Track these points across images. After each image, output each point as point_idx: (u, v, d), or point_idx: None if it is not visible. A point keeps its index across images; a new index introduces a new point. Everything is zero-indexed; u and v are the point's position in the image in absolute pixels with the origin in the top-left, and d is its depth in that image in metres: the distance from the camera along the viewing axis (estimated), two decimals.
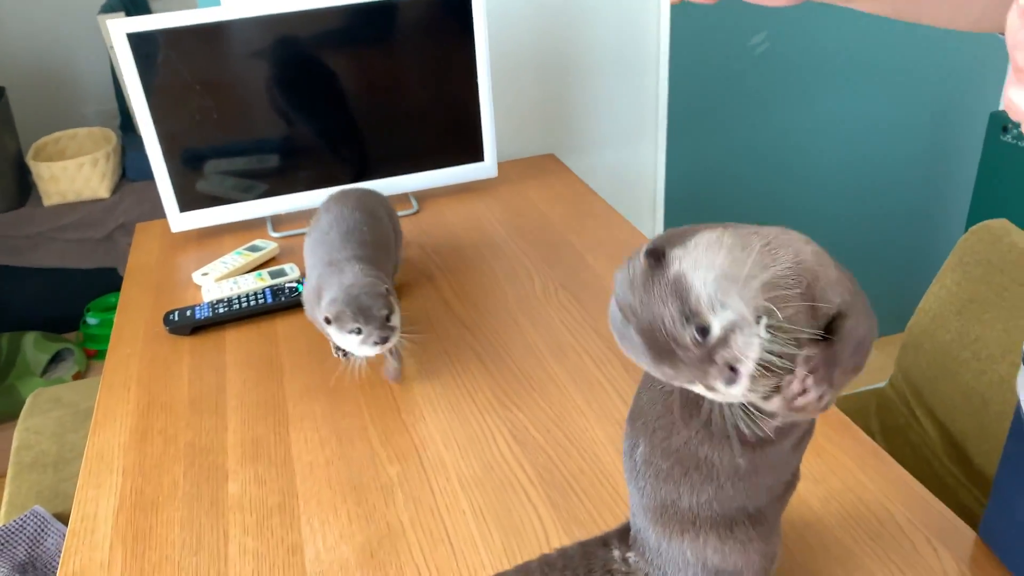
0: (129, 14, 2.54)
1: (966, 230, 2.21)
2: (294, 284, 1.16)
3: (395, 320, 0.94)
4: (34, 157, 2.36)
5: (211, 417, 0.97)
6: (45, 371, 2.39)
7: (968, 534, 0.74)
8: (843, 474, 0.82)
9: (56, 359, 2.43)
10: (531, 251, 1.28)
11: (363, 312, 0.91)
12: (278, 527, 0.81)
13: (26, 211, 2.38)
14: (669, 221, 1.89)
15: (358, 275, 0.95)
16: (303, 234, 1.37)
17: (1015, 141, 1.89)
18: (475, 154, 1.45)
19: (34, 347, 2.40)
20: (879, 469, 0.82)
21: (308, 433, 0.93)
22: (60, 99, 2.68)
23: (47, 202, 2.36)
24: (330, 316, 0.92)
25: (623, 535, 0.67)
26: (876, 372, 2.35)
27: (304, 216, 1.42)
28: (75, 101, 2.75)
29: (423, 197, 1.48)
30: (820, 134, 2.01)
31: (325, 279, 0.96)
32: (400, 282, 1.20)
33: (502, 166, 1.55)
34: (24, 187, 2.42)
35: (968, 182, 2.15)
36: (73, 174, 2.31)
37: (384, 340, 0.92)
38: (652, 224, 1.88)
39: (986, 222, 1.27)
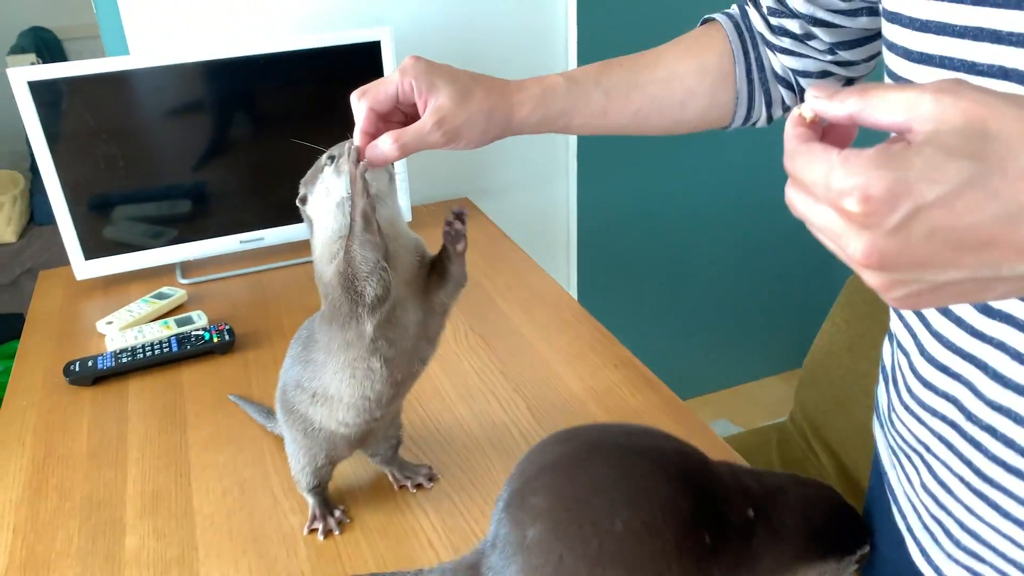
0: (40, 55, 2.49)
1: None
2: (200, 332, 1.16)
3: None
4: None
5: (110, 469, 0.95)
6: None
7: None
8: None
9: None
10: None
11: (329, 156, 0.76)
12: None
13: None
14: (583, 259, 1.94)
15: None
16: (211, 280, 1.37)
17: None
18: None
19: None
20: None
21: (210, 483, 0.92)
22: None
23: None
24: (301, 191, 0.77)
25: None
26: (778, 405, 2.43)
27: (214, 263, 1.41)
28: None
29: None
30: (727, 171, 2.10)
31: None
32: None
33: (417, 210, 1.57)
34: None
35: None
36: None
37: (360, 154, 0.72)
38: (567, 263, 1.93)
39: None
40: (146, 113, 1.28)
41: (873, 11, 0.67)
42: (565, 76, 0.75)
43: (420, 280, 0.77)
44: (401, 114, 0.74)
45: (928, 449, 0.58)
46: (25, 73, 1.17)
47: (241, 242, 1.38)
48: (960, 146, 0.34)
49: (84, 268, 1.32)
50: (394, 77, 0.70)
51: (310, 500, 0.86)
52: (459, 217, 0.77)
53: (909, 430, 0.60)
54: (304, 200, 0.77)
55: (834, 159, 0.36)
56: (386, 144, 0.69)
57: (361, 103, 0.70)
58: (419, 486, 0.89)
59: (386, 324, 0.74)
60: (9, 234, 2.29)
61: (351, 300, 0.72)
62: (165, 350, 1.13)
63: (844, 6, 0.67)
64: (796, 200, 0.39)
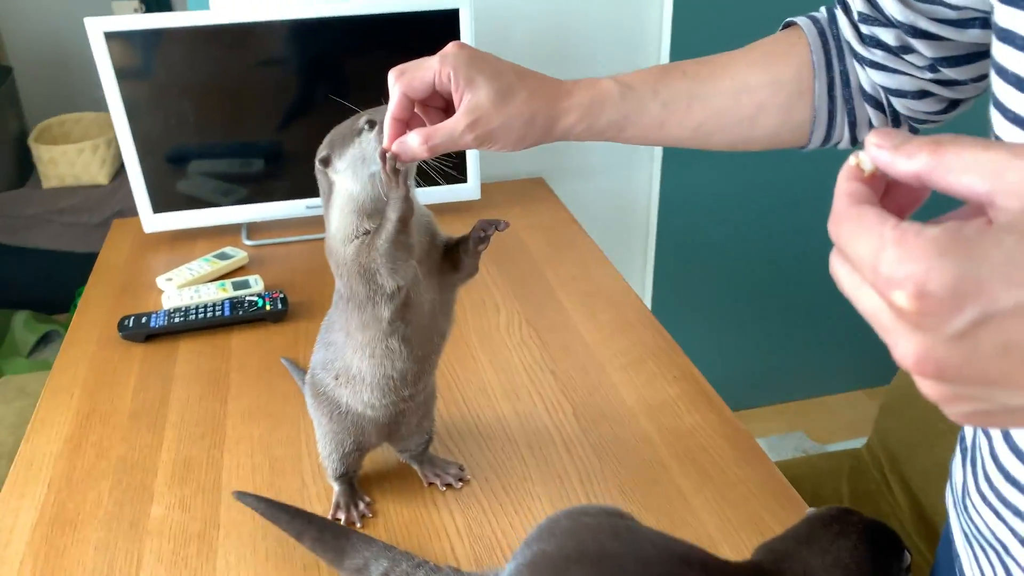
0: (144, 2, 2.54)
1: None
2: (255, 298, 1.14)
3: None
4: (36, 139, 2.36)
5: (148, 433, 0.94)
6: (32, 351, 2.39)
7: None
8: None
9: (44, 340, 2.43)
10: (502, 281, 1.25)
11: (366, 112, 0.70)
12: (193, 558, 0.78)
13: (24, 192, 2.38)
14: (661, 252, 1.85)
15: None
16: (274, 244, 1.35)
17: None
18: (458, 174, 1.42)
19: (24, 327, 2.40)
20: None
21: (242, 458, 0.90)
22: (69, 82, 2.68)
23: (46, 184, 2.36)
24: (324, 152, 0.71)
25: None
26: (860, 423, 2.29)
27: (280, 226, 1.40)
28: (84, 85, 2.75)
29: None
30: (826, 163, 1.96)
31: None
32: None
33: (487, 188, 1.52)
34: (25, 168, 2.42)
35: None
36: (72, 158, 2.30)
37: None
38: (643, 255, 1.85)
39: None
40: (221, 70, 1.26)
41: (988, 23, 0.56)
42: (620, 82, 0.68)
43: (432, 259, 0.73)
44: (441, 99, 0.68)
45: (1007, 550, 0.49)
46: (101, 24, 1.16)
47: (308, 207, 1.36)
48: None
49: (152, 221, 1.32)
50: (433, 63, 0.64)
51: (336, 488, 0.83)
52: (496, 228, 0.72)
53: (986, 523, 0.52)
54: (327, 161, 0.71)
55: (887, 235, 0.28)
56: (415, 142, 0.63)
57: (396, 86, 0.65)
58: (448, 485, 0.85)
59: (403, 306, 0.70)
60: (102, 176, 2.35)
61: (369, 287, 0.68)
62: (217, 313, 1.12)
63: (953, 15, 0.57)
64: (840, 275, 0.32)
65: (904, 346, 0.29)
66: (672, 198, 1.81)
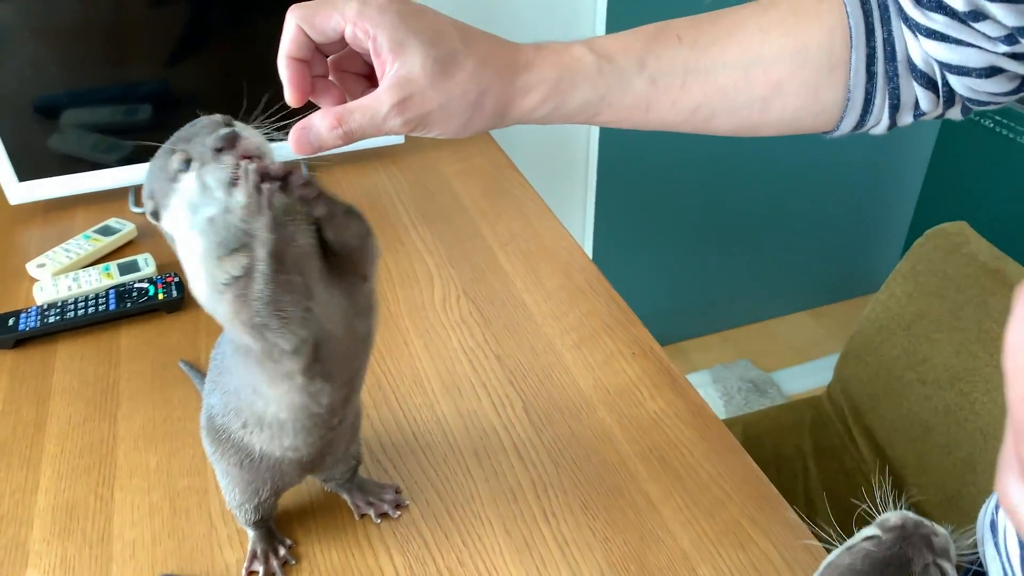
0: None
1: (917, 205, 2.10)
2: (145, 285, 0.98)
3: (251, 133, 0.53)
4: None
5: (20, 471, 0.79)
6: None
7: None
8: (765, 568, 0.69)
9: None
10: (434, 244, 1.11)
11: (179, 138, 0.53)
12: None
13: None
14: (602, 190, 1.72)
15: None
16: None
17: (977, 118, 1.76)
18: None
19: None
20: (807, 564, 0.69)
21: (136, 497, 0.76)
22: None
23: None
24: (150, 204, 0.56)
25: None
26: (805, 346, 2.26)
27: None
28: None
29: (315, 165, 1.28)
30: None
31: None
32: None
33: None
34: None
35: (922, 158, 2.02)
36: None
37: (230, 141, 0.51)
38: (584, 190, 1.72)
39: (943, 226, 1.14)
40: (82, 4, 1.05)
41: None
42: (595, 50, 0.52)
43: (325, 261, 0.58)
44: (361, 62, 0.53)
45: None
46: None
47: None
48: None
49: (18, 191, 1.13)
50: (346, 11, 0.48)
51: (251, 534, 0.70)
52: (302, 185, 0.53)
53: None
54: (157, 215, 0.55)
55: None
56: (322, 126, 0.48)
57: (290, 18, 0.50)
58: (384, 515, 0.73)
59: (314, 351, 0.56)
60: None
61: (265, 343, 0.54)
62: (101, 307, 0.95)
63: None
64: None
65: None
66: (613, 134, 1.67)
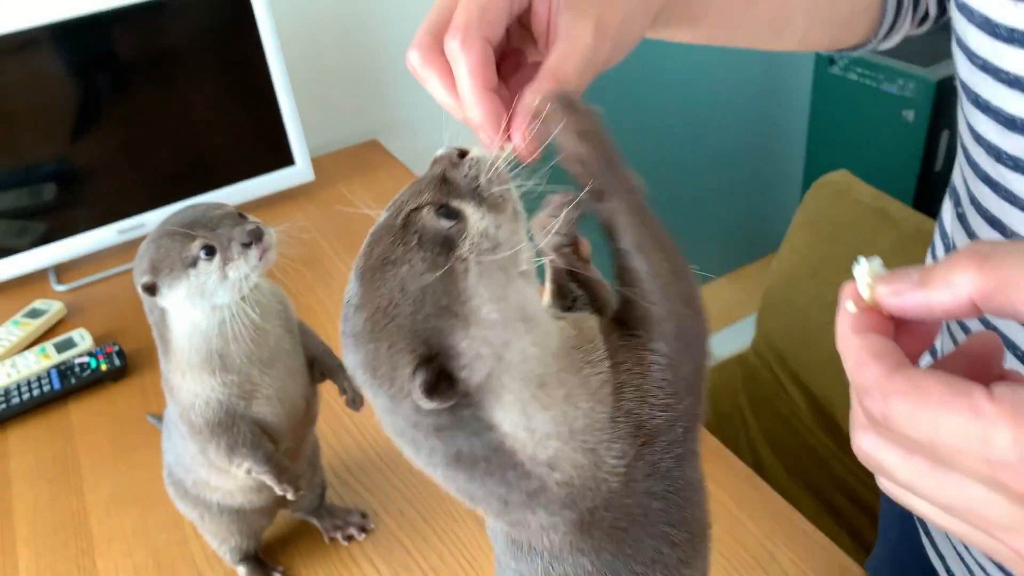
0: None
1: (806, 161, 2.23)
2: (85, 359, 0.99)
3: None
4: None
5: None
6: None
7: (857, 571, 0.70)
8: (721, 514, 0.76)
9: None
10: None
11: (197, 223, 0.57)
12: None
13: None
14: None
15: None
16: (92, 283, 1.18)
17: (843, 73, 1.89)
18: (284, 157, 1.28)
19: None
20: (759, 505, 0.76)
21: (119, 560, 0.78)
22: None
23: None
24: (147, 278, 0.58)
25: None
26: (728, 309, 2.36)
27: (93, 261, 1.22)
28: None
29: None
30: (678, 53, 1.93)
31: None
32: None
33: (318, 163, 1.38)
34: None
35: (802, 117, 2.15)
36: None
37: (257, 236, 0.57)
38: None
39: (828, 176, 1.24)
40: None
41: None
42: None
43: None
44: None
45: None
46: None
47: (120, 232, 1.19)
48: None
49: None
50: None
51: (241, 571, 0.73)
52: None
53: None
54: (153, 289, 0.58)
55: (987, 410, 0.22)
56: (543, 101, 0.39)
57: (471, 38, 0.39)
58: (351, 538, 0.77)
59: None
60: None
61: (227, 459, 0.60)
62: (45, 388, 0.96)
63: None
64: (897, 467, 0.24)
65: None
66: None
